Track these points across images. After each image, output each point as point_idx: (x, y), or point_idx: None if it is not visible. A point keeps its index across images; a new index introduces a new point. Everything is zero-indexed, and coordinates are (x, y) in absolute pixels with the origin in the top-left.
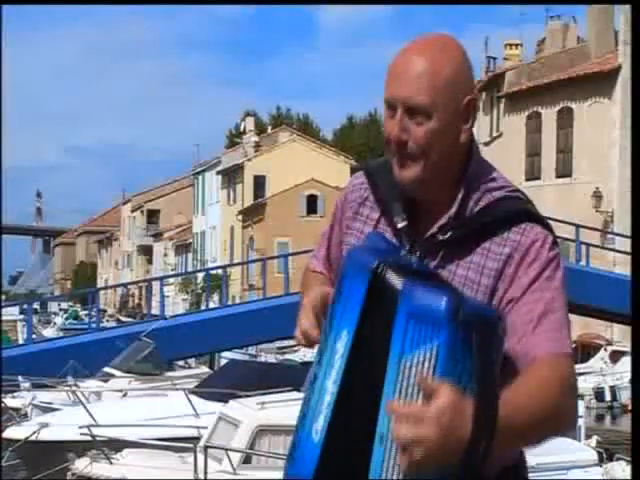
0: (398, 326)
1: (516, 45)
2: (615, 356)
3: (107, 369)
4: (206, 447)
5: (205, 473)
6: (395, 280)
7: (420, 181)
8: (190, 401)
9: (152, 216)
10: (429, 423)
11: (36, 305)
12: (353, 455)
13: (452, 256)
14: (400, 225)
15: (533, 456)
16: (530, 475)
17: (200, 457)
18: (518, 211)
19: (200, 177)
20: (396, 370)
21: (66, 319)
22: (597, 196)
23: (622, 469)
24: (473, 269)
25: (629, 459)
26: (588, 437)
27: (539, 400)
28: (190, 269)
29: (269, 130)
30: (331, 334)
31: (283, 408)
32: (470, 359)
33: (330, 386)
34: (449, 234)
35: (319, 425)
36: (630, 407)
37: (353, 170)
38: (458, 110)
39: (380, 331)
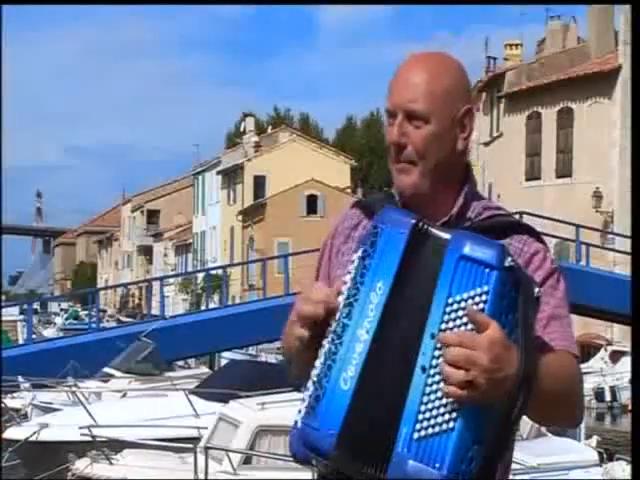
0: (446, 268)
1: (516, 45)
2: (615, 356)
3: (107, 369)
4: (207, 448)
5: (206, 474)
6: (441, 232)
7: (419, 187)
8: (190, 401)
9: (152, 216)
10: (482, 349)
11: (36, 305)
12: (385, 403)
13: None
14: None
15: (534, 456)
16: (532, 475)
17: (200, 458)
18: (520, 223)
19: (200, 177)
20: (442, 309)
21: (66, 319)
22: (597, 196)
23: (622, 469)
24: None
25: (629, 459)
26: (588, 437)
27: (562, 375)
28: (190, 269)
29: (269, 130)
30: (363, 286)
31: (283, 408)
32: (515, 311)
33: (363, 335)
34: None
35: (349, 374)
36: (630, 407)
37: (353, 170)
38: (455, 118)
39: (421, 283)
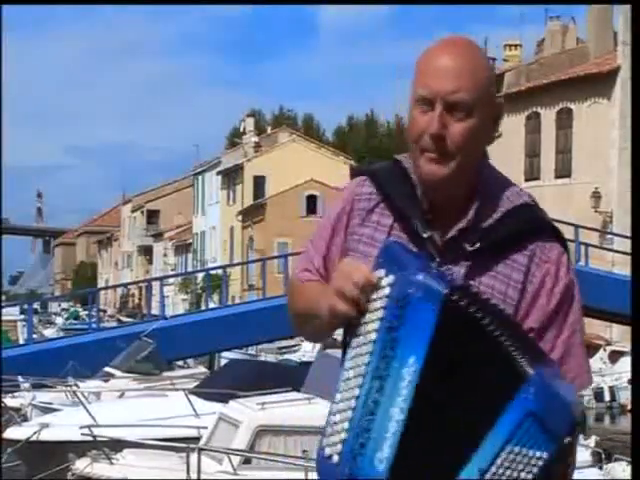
0: (514, 412)
1: (515, 46)
2: (614, 356)
3: (107, 369)
4: (199, 449)
5: (198, 474)
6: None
7: (451, 179)
8: (190, 401)
9: (152, 216)
10: None
11: (36, 305)
12: None
13: (479, 264)
14: (426, 235)
15: None
16: None
17: (200, 458)
18: (540, 219)
19: (200, 177)
20: (497, 450)
21: (66, 319)
22: (596, 196)
23: (622, 469)
24: (500, 280)
25: (629, 459)
26: (587, 437)
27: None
28: (190, 269)
29: (269, 130)
30: (394, 360)
31: (283, 408)
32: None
33: (396, 414)
34: (477, 245)
35: (384, 454)
36: (629, 407)
37: (353, 170)
38: (492, 111)
39: (458, 369)
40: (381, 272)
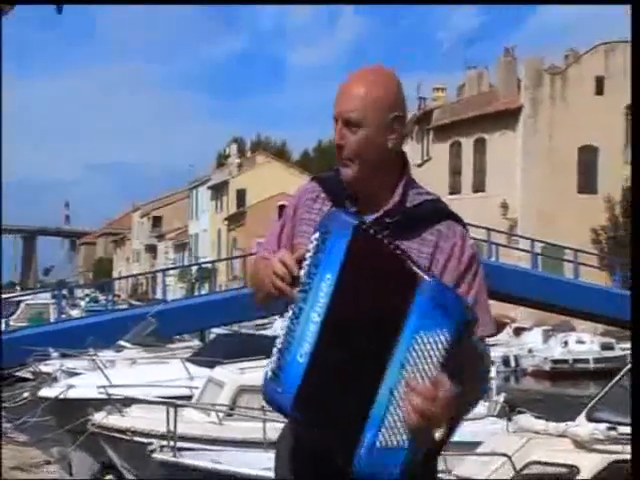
0: (419, 305)
1: (442, 89)
2: (518, 331)
3: (120, 342)
4: (175, 406)
5: (175, 428)
6: (377, 239)
7: (357, 178)
8: (186, 367)
9: (156, 221)
10: (440, 406)
11: (65, 291)
12: (333, 379)
13: (396, 237)
14: (352, 210)
15: None
16: None
17: (194, 412)
18: (446, 210)
19: (194, 191)
20: (410, 341)
21: (88, 302)
22: (504, 206)
23: (527, 420)
24: (413, 252)
25: (531, 413)
26: (498, 394)
27: (475, 385)
28: (186, 263)
29: (249, 154)
30: (316, 276)
31: (259, 372)
32: (458, 354)
33: (315, 317)
34: (396, 218)
35: (304, 349)
36: (529, 371)
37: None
38: (384, 123)
39: (365, 280)
40: (316, 234)
